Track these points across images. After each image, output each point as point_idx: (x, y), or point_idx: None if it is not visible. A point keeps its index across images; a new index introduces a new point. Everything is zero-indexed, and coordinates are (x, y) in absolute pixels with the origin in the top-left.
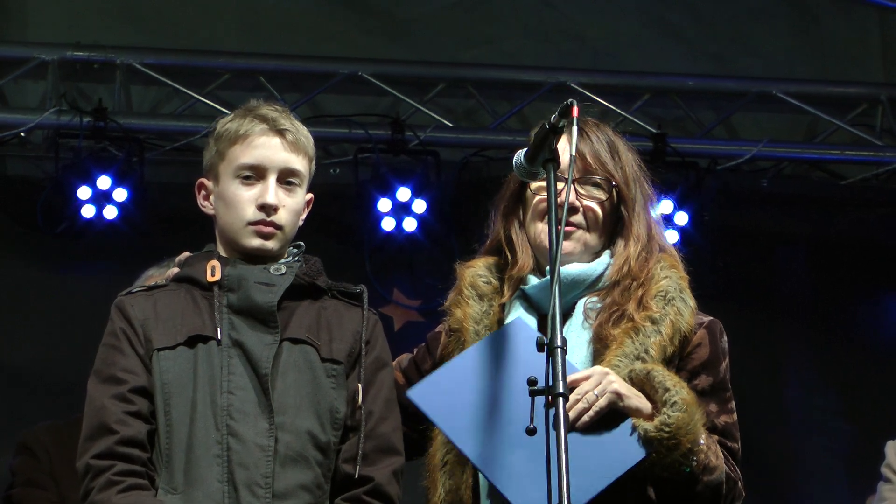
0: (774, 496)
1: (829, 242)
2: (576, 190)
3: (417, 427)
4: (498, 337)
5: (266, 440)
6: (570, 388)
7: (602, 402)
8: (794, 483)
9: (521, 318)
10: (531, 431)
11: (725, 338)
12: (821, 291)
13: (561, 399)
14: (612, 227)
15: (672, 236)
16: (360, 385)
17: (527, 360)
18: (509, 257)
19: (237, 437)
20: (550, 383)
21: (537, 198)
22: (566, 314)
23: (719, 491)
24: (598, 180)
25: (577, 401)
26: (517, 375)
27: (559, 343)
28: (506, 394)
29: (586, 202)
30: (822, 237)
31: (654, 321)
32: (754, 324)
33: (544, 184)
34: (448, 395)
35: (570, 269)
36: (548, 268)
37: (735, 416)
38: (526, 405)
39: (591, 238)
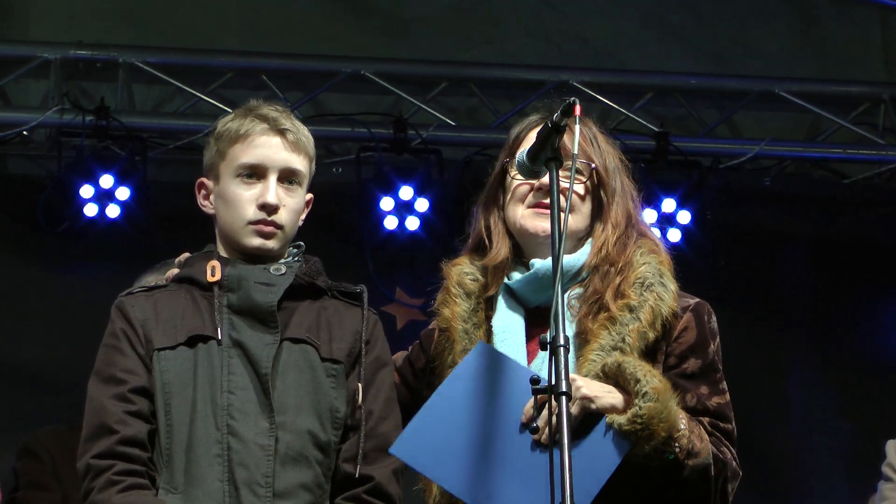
0: (774, 494)
1: (831, 241)
2: (557, 175)
3: None
4: (465, 367)
5: (266, 440)
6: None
7: (574, 409)
8: (794, 481)
9: (482, 342)
10: (534, 430)
11: (714, 318)
12: (822, 290)
13: (564, 398)
14: (594, 212)
15: (674, 235)
16: (360, 385)
17: (498, 386)
18: (487, 246)
19: (237, 436)
20: (547, 383)
21: (516, 182)
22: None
23: (707, 473)
24: (578, 165)
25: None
26: (492, 403)
27: (561, 342)
28: (485, 424)
29: (566, 185)
30: (823, 236)
31: (631, 309)
32: (755, 322)
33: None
34: (429, 440)
35: None
36: (532, 261)
37: (727, 396)
38: (505, 432)
39: (573, 220)
